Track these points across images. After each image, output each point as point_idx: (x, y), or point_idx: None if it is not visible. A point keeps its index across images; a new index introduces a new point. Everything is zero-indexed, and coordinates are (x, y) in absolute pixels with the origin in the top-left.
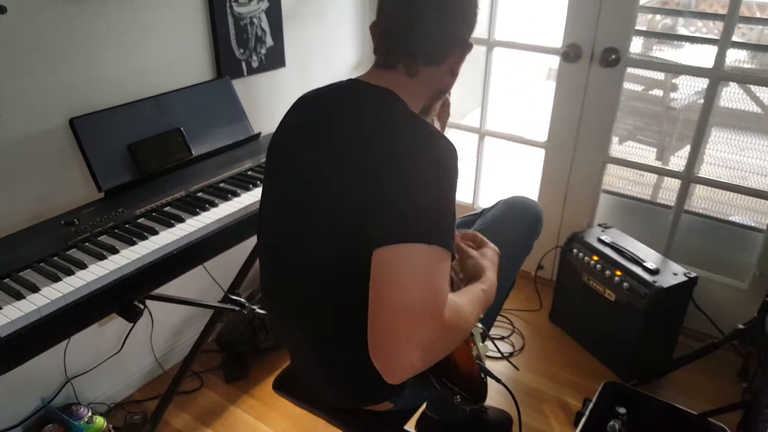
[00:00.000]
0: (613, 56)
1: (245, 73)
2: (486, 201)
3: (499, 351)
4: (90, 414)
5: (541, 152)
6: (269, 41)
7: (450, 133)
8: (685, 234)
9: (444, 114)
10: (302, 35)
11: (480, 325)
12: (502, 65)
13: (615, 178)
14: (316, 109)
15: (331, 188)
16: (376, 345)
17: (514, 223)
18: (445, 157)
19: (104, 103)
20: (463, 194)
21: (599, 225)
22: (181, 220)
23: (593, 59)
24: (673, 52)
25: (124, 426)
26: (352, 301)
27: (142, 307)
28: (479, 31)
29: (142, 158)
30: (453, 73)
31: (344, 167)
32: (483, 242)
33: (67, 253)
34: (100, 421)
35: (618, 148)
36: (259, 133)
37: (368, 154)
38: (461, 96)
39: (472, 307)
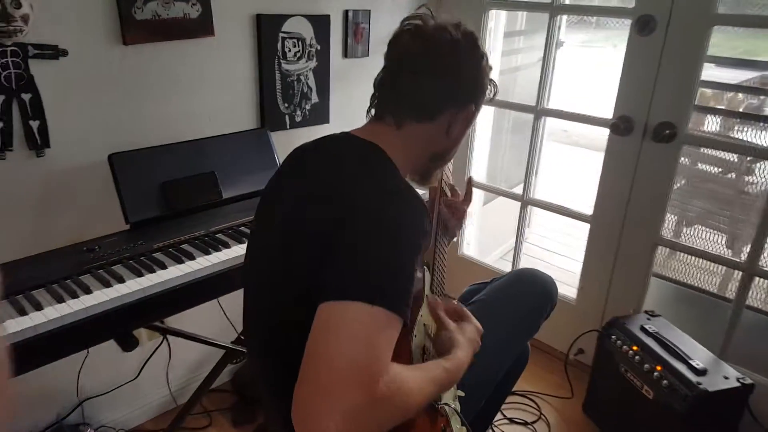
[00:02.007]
0: (668, 131)
1: (288, 126)
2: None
3: None
4: None
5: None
6: (314, 98)
7: (495, 200)
8: (747, 333)
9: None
10: (349, 94)
11: (453, 405)
12: (557, 133)
13: (679, 263)
14: (299, 160)
15: (294, 239)
16: (296, 404)
17: (519, 297)
18: (410, 218)
19: (149, 141)
20: (502, 263)
21: (646, 312)
22: (192, 258)
23: (646, 133)
24: (758, 134)
25: None
26: (300, 353)
27: (138, 337)
28: (526, 98)
29: (172, 196)
30: (450, 135)
31: (308, 218)
32: (465, 316)
33: (80, 277)
34: None
35: (685, 231)
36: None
37: (332, 206)
38: (512, 163)
39: (424, 384)
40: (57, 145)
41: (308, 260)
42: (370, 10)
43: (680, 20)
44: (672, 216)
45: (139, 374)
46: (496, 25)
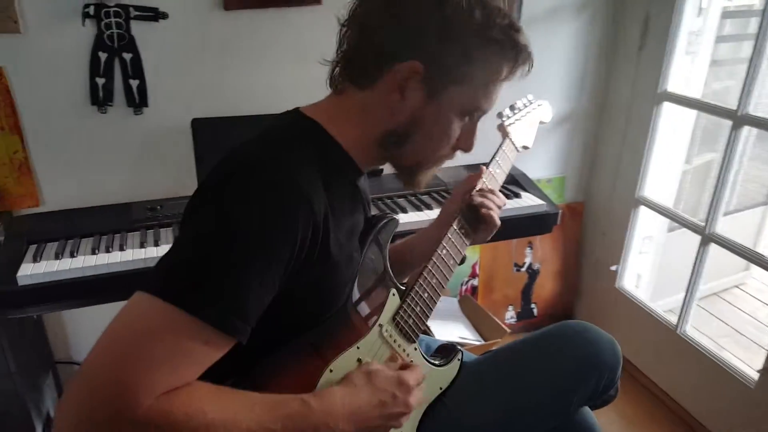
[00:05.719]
0: None
1: None
2: (697, 323)
3: None
4: None
5: None
6: None
7: (671, 235)
8: None
9: None
10: None
11: None
12: None
13: None
14: None
15: None
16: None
17: (549, 356)
18: (257, 204)
19: (241, 110)
20: (670, 314)
21: None
22: None
23: None
24: None
25: None
26: None
27: None
28: (728, 99)
29: None
30: (403, 105)
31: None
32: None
33: (128, 233)
34: None
35: None
36: (381, 170)
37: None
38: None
39: (236, 416)
40: (154, 105)
41: None
42: None
43: None
44: None
45: None
46: (710, 2)
